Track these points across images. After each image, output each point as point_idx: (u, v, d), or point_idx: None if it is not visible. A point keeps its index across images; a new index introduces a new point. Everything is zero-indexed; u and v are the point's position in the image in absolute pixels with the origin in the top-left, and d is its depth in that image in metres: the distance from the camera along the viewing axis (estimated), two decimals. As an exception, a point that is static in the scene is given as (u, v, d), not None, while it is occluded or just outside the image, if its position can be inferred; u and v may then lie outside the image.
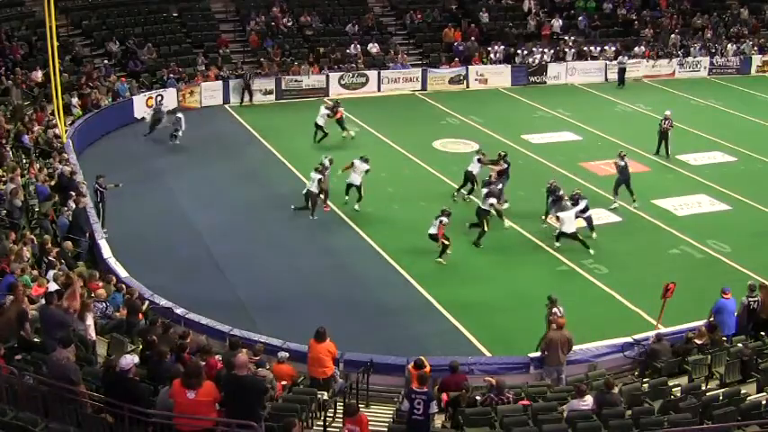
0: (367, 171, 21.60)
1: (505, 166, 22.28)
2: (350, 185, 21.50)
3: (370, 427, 10.88)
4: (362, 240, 20.03)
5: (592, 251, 19.09)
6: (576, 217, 19.70)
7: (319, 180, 20.81)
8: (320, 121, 26.40)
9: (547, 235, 20.26)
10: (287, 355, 12.96)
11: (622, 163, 22.09)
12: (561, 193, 20.44)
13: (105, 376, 10.01)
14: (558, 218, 19.58)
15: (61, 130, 23.42)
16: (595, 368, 14.34)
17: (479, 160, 22.42)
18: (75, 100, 26.29)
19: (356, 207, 21.45)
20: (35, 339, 11.97)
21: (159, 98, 29.01)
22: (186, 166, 24.59)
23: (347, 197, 21.71)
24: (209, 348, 11.79)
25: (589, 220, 20.17)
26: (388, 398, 13.60)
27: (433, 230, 18.86)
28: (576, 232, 19.24)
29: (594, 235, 20.04)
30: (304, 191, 21.04)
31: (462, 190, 22.46)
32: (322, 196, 21.11)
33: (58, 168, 20.19)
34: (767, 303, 14.78)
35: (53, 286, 13.44)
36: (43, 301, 12.23)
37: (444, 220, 18.79)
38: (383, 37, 35.70)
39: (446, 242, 18.82)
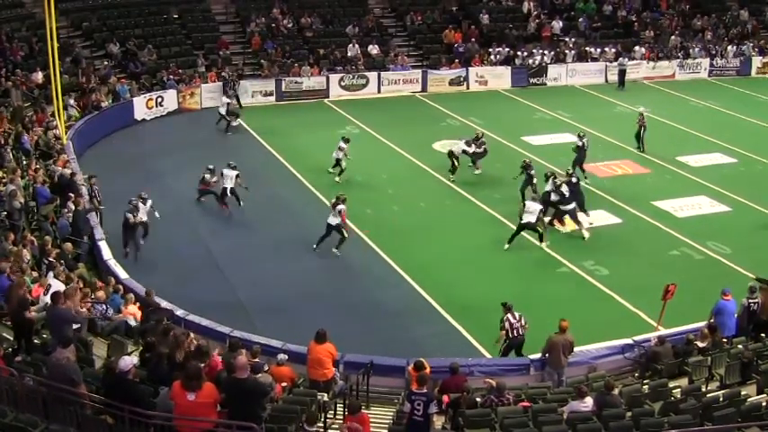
0: (340, 148, 23.61)
1: (480, 150, 24.00)
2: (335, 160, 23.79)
3: (370, 428, 10.89)
4: (362, 241, 20.02)
5: (545, 244, 19.50)
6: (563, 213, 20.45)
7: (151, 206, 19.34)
8: (222, 111, 28.11)
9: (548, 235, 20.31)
10: (286, 357, 12.95)
11: (580, 143, 23.73)
12: (532, 173, 21.56)
13: (105, 378, 10.01)
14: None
15: (61, 132, 23.43)
16: (595, 370, 14.34)
17: (467, 143, 24.07)
18: (71, 101, 26.23)
19: (336, 179, 23.50)
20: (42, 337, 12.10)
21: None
22: (186, 167, 24.54)
23: (330, 170, 23.82)
24: (208, 350, 11.79)
25: (573, 213, 20.37)
26: (389, 399, 13.59)
27: (334, 220, 18.99)
28: (536, 223, 19.43)
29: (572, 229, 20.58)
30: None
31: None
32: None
33: (58, 171, 20.17)
34: (767, 305, 14.78)
35: (56, 285, 13.45)
36: (49, 301, 12.29)
37: (342, 207, 19.04)
38: (383, 38, 35.72)
39: (347, 233, 19.13)
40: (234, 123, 28.31)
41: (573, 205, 20.36)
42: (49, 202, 18.57)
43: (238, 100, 30.89)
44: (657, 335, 14.75)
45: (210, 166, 21.89)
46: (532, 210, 19.48)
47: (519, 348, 14.64)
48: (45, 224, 17.91)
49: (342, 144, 23.67)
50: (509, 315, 14.56)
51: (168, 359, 10.85)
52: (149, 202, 19.18)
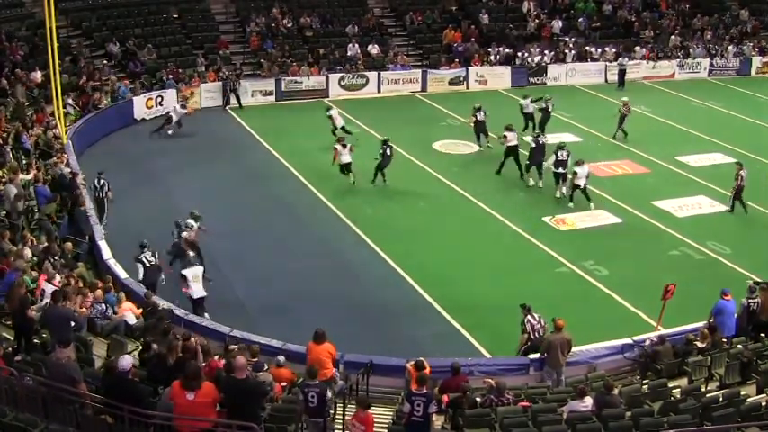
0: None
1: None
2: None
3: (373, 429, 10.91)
4: (362, 241, 20.04)
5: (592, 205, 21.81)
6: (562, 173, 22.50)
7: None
8: (174, 117, 27.32)
9: (547, 236, 20.32)
10: (284, 359, 12.98)
11: (545, 105, 27.14)
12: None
13: (105, 378, 10.01)
14: None
15: (61, 131, 23.42)
16: (595, 369, 14.35)
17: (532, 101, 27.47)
18: (70, 101, 26.20)
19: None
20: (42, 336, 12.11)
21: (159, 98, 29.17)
22: (186, 167, 24.60)
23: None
24: (208, 349, 11.81)
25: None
26: (388, 399, 13.59)
27: (347, 158, 22.76)
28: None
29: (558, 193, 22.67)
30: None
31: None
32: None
33: (58, 170, 20.18)
34: (767, 305, 14.79)
35: (49, 289, 13.49)
36: (48, 301, 12.31)
37: (349, 144, 23.03)
38: (383, 38, 35.71)
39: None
40: (169, 131, 27.28)
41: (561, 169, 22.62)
42: (50, 201, 18.57)
43: (239, 99, 30.88)
44: (657, 334, 14.77)
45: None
46: (584, 173, 21.83)
47: (538, 349, 14.58)
48: (46, 223, 17.92)
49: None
50: (529, 317, 14.53)
51: (164, 361, 10.86)
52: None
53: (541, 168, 23.16)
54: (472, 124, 26.66)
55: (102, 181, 20.00)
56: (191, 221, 17.82)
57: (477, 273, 18.61)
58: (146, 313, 14.38)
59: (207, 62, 32.01)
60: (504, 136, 23.83)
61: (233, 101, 30.91)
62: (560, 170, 22.56)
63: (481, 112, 26.56)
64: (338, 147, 22.96)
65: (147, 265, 16.26)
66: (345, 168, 22.88)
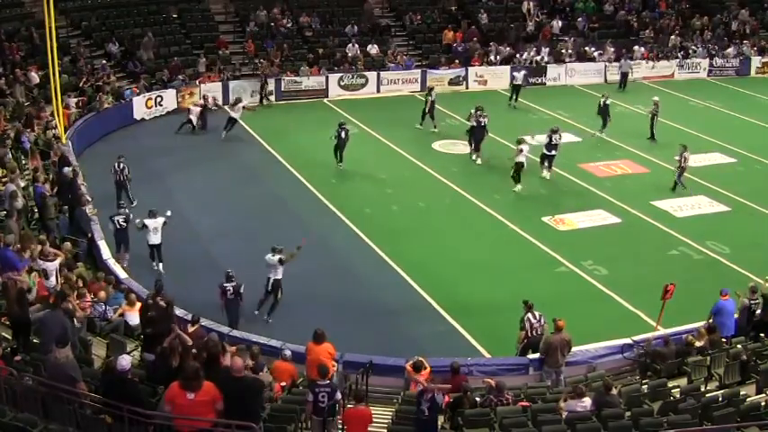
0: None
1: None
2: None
3: (369, 428, 10.90)
4: (361, 241, 20.04)
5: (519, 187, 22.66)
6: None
7: None
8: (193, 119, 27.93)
9: (546, 236, 20.32)
10: (290, 353, 12.98)
11: (602, 102, 27.11)
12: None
13: (104, 377, 10.00)
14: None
15: (60, 131, 23.41)
16: (594, 369, 14.35)
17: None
18: (72, 101, 26.20)
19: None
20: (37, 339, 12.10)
21: (159, 99, 29.17)
22: (185, 166, 24.59)
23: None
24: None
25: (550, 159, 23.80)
26: (388, 399, 13.59)
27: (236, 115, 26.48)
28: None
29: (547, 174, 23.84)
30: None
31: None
32: None
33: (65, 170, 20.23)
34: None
35: (49, 266, 13.61)
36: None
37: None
38: (382, 38, 35.69)
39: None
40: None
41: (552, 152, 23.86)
42: (48, 197, 18.61)
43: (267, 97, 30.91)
44: (659, 334, 14.77)
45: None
46: (528, 150, 22.82)
47: (536, 348, 14.59)
48: (50, 222, 17.94)
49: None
50: (529, 315, 14.53)
51: (165, 361, 10.84)
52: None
53: (480, 144, 25.15)
54: (428, 106, 28.31)
55: (122, 165, 20.82)
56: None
57: (477, 272, 18.62)
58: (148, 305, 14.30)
59: (206, 62, 31.98)
60: (471, 114, 25.64)
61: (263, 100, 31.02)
62: (552, 153, 23.70)
63: (433, 93, 28.51)
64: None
65: (117, 227, 17.88)
66: (230, 122, 26.63)
